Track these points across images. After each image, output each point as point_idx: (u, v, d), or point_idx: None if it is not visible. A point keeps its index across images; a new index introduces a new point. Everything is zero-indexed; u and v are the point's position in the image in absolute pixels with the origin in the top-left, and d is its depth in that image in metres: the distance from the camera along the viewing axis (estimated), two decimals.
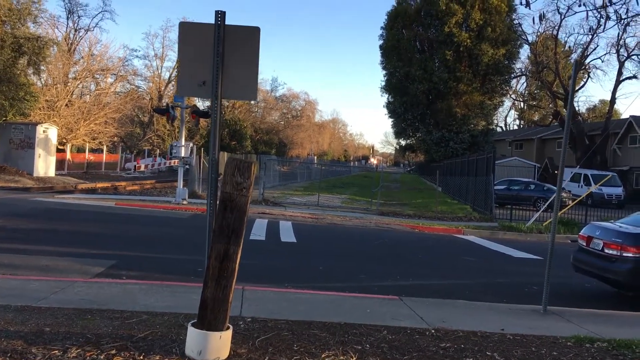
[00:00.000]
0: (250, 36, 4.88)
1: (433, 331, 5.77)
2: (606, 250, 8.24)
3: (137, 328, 5.13)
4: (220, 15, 4.74)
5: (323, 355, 4.67)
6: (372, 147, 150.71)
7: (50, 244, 10.28)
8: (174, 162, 19.73)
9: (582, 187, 32.80)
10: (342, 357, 4.52)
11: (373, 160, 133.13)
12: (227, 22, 4.83)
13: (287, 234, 13.93)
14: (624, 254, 7.91)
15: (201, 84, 4.85)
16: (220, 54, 4.75)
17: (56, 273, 7.71)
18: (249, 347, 4.83)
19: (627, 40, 43.67)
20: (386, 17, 52.22)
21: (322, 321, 5.83)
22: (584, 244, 8.92)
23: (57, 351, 4.41)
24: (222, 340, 4.51)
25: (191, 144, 20.13)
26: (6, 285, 6.59)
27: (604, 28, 37.62)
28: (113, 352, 4.48)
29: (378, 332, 5.58)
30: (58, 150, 34.73)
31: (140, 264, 8.89)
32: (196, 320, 4.58)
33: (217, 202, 4.64)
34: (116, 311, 5.65)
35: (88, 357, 4.38)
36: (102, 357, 4.39)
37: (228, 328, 4.59)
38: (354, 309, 6.59)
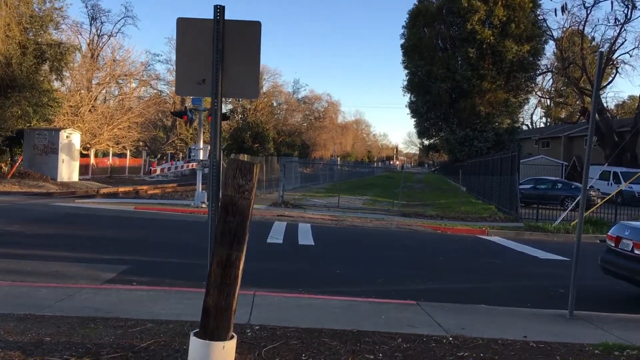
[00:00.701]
0: (250, 31, 4.65)
1: (451, 339, 5.47)
2: (636, 251, 7.81)
3: (140, 337, 4.95)
4: (219, 9, 4.52)
5: None
6: (396, 148, 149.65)
7: (63, 249, 10.21)
8: (193, 165, 19.64)
9: (611, 185, 31.89)
10: None
11: (396, 161, 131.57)
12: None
13: (305, 237, 13.69)
14: None
15: (200, 82, 4.64)
16: (220, 50, 4.53)
17: (66, 279, 7.59)
18: (254, 357, 4.61)
19: None
20: (407, 16, 51.70)
21: (334, 329, 5.57)
22: (613, 244, 8.49)
23: None
24: (225, 350, 4.28)
25: (209, 147, 20.02)
26: (13, 292, 6.48)
27: (631, 16, 36.40)
28: None
29: (392, 340, 5.30)
30: (82, 155, 35.08)
31: (152, 270, 8.75)
32: (198, 329, 4.37)
33: (219, 206, 4.42)
34: (121, 319, 5.48)
35: None
36: None
37: (232, 337, 4.37)
38: (369, 315, 6.32)
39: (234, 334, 4.40)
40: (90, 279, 7.75)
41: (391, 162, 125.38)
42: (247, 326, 5.47)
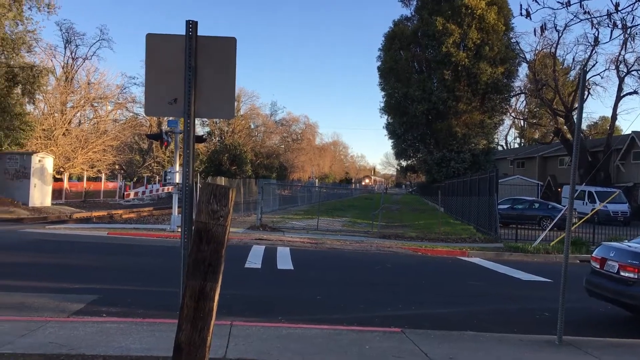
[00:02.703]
0: (225, 48, 4.40)
1: None
2: (622, 273, 7.67)
3: None
4: (191, 25, 4.28)
5: None
6: (374, 169, 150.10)
7: (30, 278, 9.73)
8: (169, 189, 19.23)
9: (586, 204, 32.18)
10: None
11: (368, 182, 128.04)
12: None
13: (284, 261, 13.36)
14: None
15: (172, 101, 4.36)
16: (192, 68, 4.28)
17: (30, 312, 7.15)
18: None
19: (627, 56, 43.14)
20: (383, 39, 52.31)
21: None
22: (598, 266, 8.34)
23: None
24: None
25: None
26: None
27: (610, 37, 37.34)
28: None
29: None
30: (55, 180, 34.29)
31: (124, 299, 8.32)
32: None
33: (192, 233, 4.12)
34: (86, 356, 5.11)
35: None
36: None
37: None
38: (352, 345, 6.03)
39: None
40: (57, 311, 7.32)
41: (363, 184, 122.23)
42: None
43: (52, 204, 30.23)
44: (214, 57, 4.37)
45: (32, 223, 21.47)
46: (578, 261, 15.93)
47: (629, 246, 8.14)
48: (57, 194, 33.65)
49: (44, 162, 29.16)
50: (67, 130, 39.82)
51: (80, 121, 46.27)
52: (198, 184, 26.93)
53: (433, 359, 5.63)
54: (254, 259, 13.40)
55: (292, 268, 12.46)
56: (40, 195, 28.69)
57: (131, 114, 56.24)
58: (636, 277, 7.40)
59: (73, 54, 48.31)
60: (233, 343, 5.82)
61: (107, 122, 47.19)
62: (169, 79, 4.37)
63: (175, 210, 18.83)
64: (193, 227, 4.13)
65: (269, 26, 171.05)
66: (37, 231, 17.77)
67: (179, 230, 17.91)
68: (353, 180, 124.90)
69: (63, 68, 46.10)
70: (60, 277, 10.12)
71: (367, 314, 8.17)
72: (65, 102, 41.80)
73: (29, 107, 33.63)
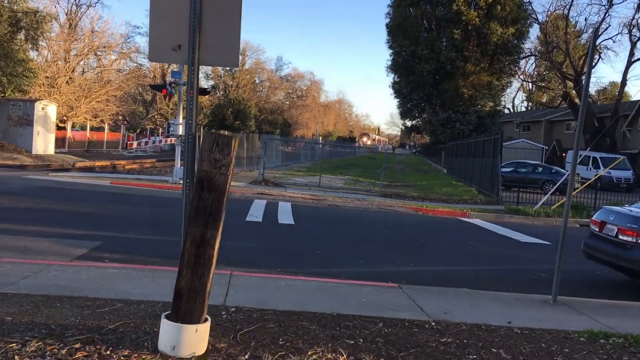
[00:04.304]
0: None
1: (434, 324, 5.29)
2: (621, 237, 7.71)
3: (108, 318, 4.68)
4: None
5: (310, 352, 4.20)
6: (378, 129, 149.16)
7: (34, 223, 9.83)
8: (172, 140, 19.21)
9: (590, 170, 32.11)
10: (330, 356, 4.04)
11: (366, 140, 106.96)
12: None
13: (285, 216, 13.45)
14: None
15: (176, 48, 4.31)
16: (197, 13, 4.20)
17: (34, 255, 7.26)
18: (229, 341, 4.36)
19: None
20: None
21: (313, 312, 5.36)
22: (597, 229, 8.38)
23: (15, 344, 3.95)
24: (198, 334, 4.05)
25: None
26: None
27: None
28: (77, 345, 4.02)
29: (373, 325, 5.11)
30: (58, 128, 34.27)
31: (126, 247, 8.43)
32: (170, 311, 4.12)
33: (194, 182, 4.14)
34: (89, 298, 5.20)
35: (48, 352, 3.93)
36: (64, 351, 3.93)
37: (206, 320, 4.13)
38: (349, 298, 6.12)
39: (208, 317, 4.16)
40: (60, 255, 7.43)
41: (359, 142, 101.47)
42: (222, 308, 5.23)
43: (55, 152, 30.31)
44: (219, 1, 4.28)
45: (35, 170, 21.57)
46: (578, 225, 16.03)
47: (630, 210, 8.16)
48: (60, 142, 33.68)
49: (47, 109, 29.07)
50: (70, 78, 39.56)
51: (83, 70, 45.93)
52: (201, 137, 26.93)
53: (428, 313, 5.72)
54: (256, 213, 13.49)
55: (293, 223, 12.56)
56: (44, 143, 28.72)
57: (135, 64, 55.77)
58: (634, 240, 7.44)
59: (77, 0, 47.51)
60: (232, 291, 5.91)
61: (110, 72, 46.82)
62: (173, 24, 4.30)
63: (177, 162, 18.86)
64: (195, 176, 4.15)
65: None
66: (41, 178, 17.86)
67: (182, 182, 18.00)
68: (357, 139, 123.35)
69: (67, 15, 45.42)
70: (63, 223, 10.22)
71: (365, 269, 8.27)
72: (69, 49, 41.38)
73: (32, 54, 33.34)
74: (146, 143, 28.80)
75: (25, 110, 27.72)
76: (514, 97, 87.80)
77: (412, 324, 5.24)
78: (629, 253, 7.53)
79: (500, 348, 4.74)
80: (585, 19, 49.91)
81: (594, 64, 46.97)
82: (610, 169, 28.13)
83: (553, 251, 7.73)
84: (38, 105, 28.07)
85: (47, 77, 36.75)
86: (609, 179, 30.82)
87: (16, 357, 3.76)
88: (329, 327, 4.92)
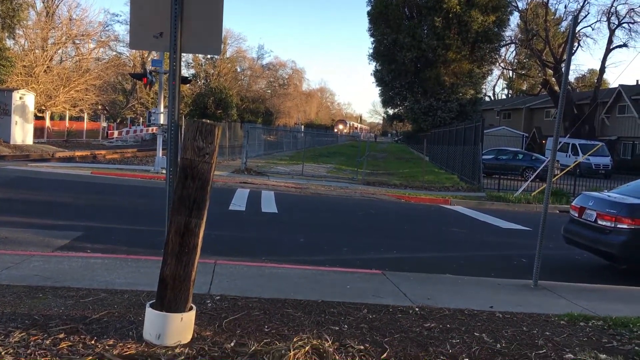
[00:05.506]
0: None
1: (417, 309, 5.35)
2: (599, 222, 7.85)
3: (92, 308, 4.65)
4: None
5: (295, 339, 4.22)
6: (360, 117, 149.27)
7: (14, 214, 9.71)
8: (153, 130, 19.04)
9: (569, 156, 32.52)
10: (315, 342, 4.07)
11: (342, 128, 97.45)
12: None
13: (268, 204, 13.44)
14: (618, 226, 7.53)
15: (158, 35, 4.26)
16: None
17: (15, 246, 7.17)
18: (214, 329, 4.37)
19: (619, 8, 42.85)
20: None
21: (298, 299, 5.39)
22: (576, 214, 8.52)
23: None
24: (183, 323, 4.05)
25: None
26: None
27: None
28: (61, 336, 4.00)
29: (358, 311, 5.15)
30: (37, 118, 33.73)
31: (108, 236, 8.37)
32: (155, 300, 4.11)
33: (178, 170, 4.11)
34: (72, 289, 5.17)
35: (32, 342, 3.90)
36: (48, 341, 3.91)
37: (191, 308, 4.14)
38: (333, 285, 6.16)
39: (193, 305, 4.17)
40: (41, 245, 7.35)
41: (338, 130, 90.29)
42: (207, 296, 5.23)
43: (34, 142, 29.87)
44: None
45: (14, 160, 21.26)
46: (557, 211, 16.24)
47: (609, 196, 8.31)
48: (39, 132, 33.18)
49: (25, 99, 28.59)
50: (48, 67, 38.89)
51: (61, 59, 45.18)
52: (183, 127, 26.73)
53: (412, 298, 5.78)
54: (239, 202, 13.47)
55: (276, 211, 12.56)
56: (22, 133, 28.28)
57: (114, 52, 54.98)
58: (612, 225, 7.58)
59: None
60: (217, 280, 5.91)
61: (89, 61, 46.10)
62: (155, 10, 4.25)
63: (159, 151, 18.71)
64: (179, 165, 4.13)
65: None
66: (20, 168, 17.61)
67: (163, 171, 17.87)
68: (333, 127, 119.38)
69: (44, 2, 44.50)
70: (44, 213, 10.11)
71: (349, 256, 8.32)
72: (46, 38, 40.62)
73: (9, 42, 32.69)
74: (127, 132, 28.48)
75: (2, 99, 27.21)
76: (495, 85, 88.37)
77: (396, 310, 5.29)
78: (608, 237, 7.67)
79: (483, 332, 4.81)
80: (565, 7, 50.63)
81: (573, 51, 47.44)
82: (589, 155, 28.50)
83: (534, 237, 7.85)
84: (16, 95, 27.59)
85: (25, 66, 36.10)
86: (588, 166, 31.26)
87: None
88: (313, 314, 4.95)
